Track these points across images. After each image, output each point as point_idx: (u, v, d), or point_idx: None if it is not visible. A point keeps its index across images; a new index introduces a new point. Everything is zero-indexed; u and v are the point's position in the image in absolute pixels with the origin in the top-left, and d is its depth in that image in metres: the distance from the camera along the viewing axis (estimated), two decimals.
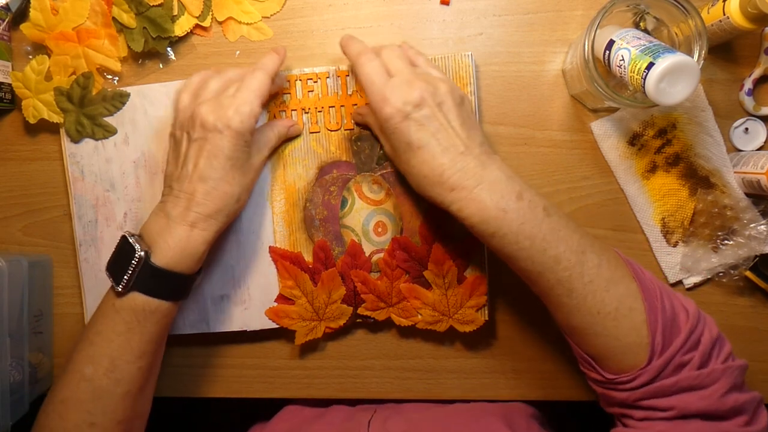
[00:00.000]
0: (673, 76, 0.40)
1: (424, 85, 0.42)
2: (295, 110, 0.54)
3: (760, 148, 0.54)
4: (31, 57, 0.57)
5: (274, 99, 0.54)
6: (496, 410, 0.56)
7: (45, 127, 0.58)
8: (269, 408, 0.63)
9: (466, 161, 0.42)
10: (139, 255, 0.44)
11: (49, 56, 0.55)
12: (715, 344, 0.41)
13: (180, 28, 0.55)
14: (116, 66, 0.56)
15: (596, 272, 0.41)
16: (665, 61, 0.39)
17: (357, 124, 0.53)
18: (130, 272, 0.44)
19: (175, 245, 0.45)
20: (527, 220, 0.41)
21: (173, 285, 0.46)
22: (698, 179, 0.53)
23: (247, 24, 0.56)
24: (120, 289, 0.44)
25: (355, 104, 0.53)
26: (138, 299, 0.44)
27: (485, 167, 0.42)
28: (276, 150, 0.54)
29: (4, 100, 0.57)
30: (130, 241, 0.45)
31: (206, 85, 0.48)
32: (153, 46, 0.55)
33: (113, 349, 0.45)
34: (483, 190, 0.41)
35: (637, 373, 0.40)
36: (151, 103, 0.56)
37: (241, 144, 0.46)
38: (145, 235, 0.46)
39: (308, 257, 0.55)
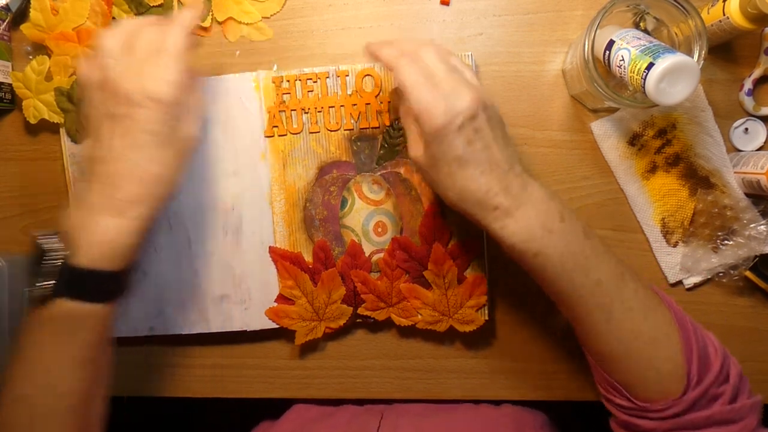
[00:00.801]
0: (673, 76, 0.40)
1: (475, 95, 0.39)
2: (295, 110, 0.54)
3: (760, 149, 0.54)
4: (31, 57, 0.57)
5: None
6: (507, 420, 0.56)
7: (45, 127, 0.58)
8: (269, 408, 0.63)
9: (510, 180, 0.40)
10: (57, 256, 0.39)
11: (50, 56, 0.55)
12: (741, 379, 0.41)
13: None
14: None
15: (635, 298, 0.41)
16: (665, 62, 0.39)
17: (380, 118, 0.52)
18: (49, 276, 0.39)
19: (99, 241, 0.39)
20: (571, 241, 0.39)
21: (103, 285, 0.40)
22: (698, 179, 0.53)
23: (248, 24, 0.56)
24: (41, 296, 0.39)
25: (355, 104, 0.53)
26: (63, 306, 0.39)
27: (527, 187, 0.40)
28: (276, 150, 0.54)
29: (4, 100, 0.57)
30: (45, 240, 0.41)
31: (103, 49, 0.41)
32: None
33: (46, 364, 0.40)
34: (527, 210, 0.39)
35: (672, 403, 0.40)
36: None
37: (168, 117, 0.40)
38: (64, 231, 0.41)
39: (308, 257, 0.55)
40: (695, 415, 0.39)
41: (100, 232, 0.40)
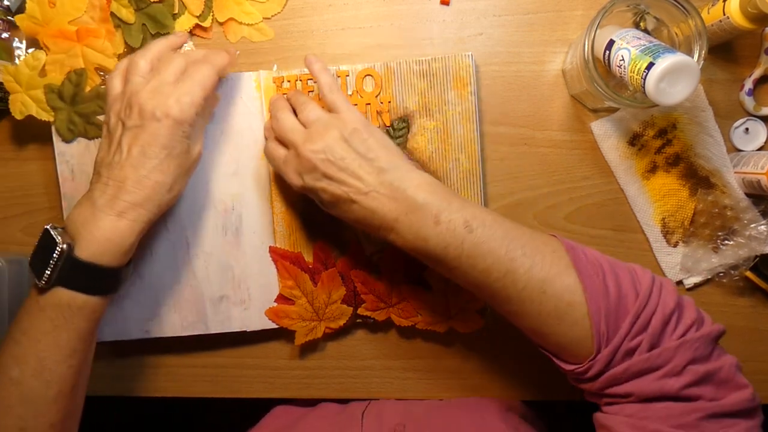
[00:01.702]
0: (673, 76, 0.40)
1: (312, 147, 0.44)
2: None
3: (760, 148, 0.54)
4: (19, 51, 0.55)
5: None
6: (492, 405, 0.56)
7: (45, 127, 0.57)
8: (269, 409, 0.62)
9: (376, 200, 0.43)
10: (61, 247, 0.41)
11: (45, 52, 0.54)
12: (669, 321, 0.39)
13: (180, 26, 0.55)
14: (114, 66, 0.55)
15: (528, 276, 0.41)
16: (665, 61, 0.39)
17: None
18: (51, 266, 0.41)
19: (100, 236, 0.42)
20: (449, 243, 0.41)
21: (100, 279, 0.43)
22: (698, 179, 0.53)
23: (248, 25, 0.56)
24: (42, 285, 0.42)
25: (355, 104, 0.53)
26: (63, 295, 0.42)
27: (396, 198, 0.42)
28: None
29: (4, 100, 0.57)
30: (52, 233, 0.42)
31: (134, 67, 0.46)
32: None
33: (40, 350, 0.42)
34: (402, 224, 0.42)
35: (588, 365, 0.40)
36: None
37: (179, 134, 0.45)
38: (69, 225, 0.44)
39: (308, 257, 0.55)
40: (613, 371, 0.39)
41: (102, 229, 0.43)
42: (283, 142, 0.47)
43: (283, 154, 0.47)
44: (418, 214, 0.42)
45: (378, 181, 0.43)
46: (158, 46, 0.48)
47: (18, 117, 0.55)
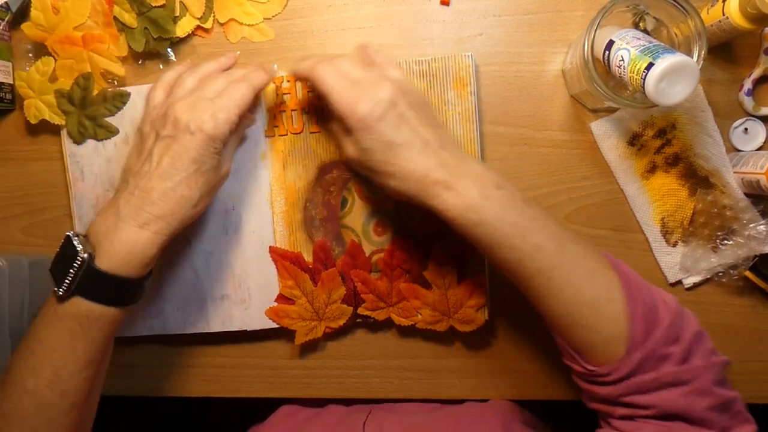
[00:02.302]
0: (672, 77, 0.40)
1: (392, 84, 0.43)
2: (295, 110, 0.54)
3: (759, 148, 0.54)
4: (31, 55, 0.57)
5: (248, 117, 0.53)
6: (492, 412, 0.56)
7: (45, 128, 0.58)
8: (269, 408, 0.63)
9: (445, 156, 0.42)
10: (82, 257, 0.41)
11: (56, 59, 0.55)
12: (696, 339, 0.40)
13: (181, 29, 0.55)
14: (120, 71, 0.56)
15: (576, 263, 0.41)
16: (665, 62, 0.40)
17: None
18: (71, 276, 0.41)
19: (121, 248, 0.41)
20: (509, 207, 0.41)
21: (119, 290, 0.43)
22: (698, 179, 0.53)
23: (249, 25, 0.56)
24: (61, 293, 0.41)
25: None
26: (81, 305, 0.41)
27: (463, 160, 0.43)
28: (276, 150, 0.54)
29: (5, 101, 0.57)
30: (74, 241, 0.42)
31: (181, 82, 0.47)
32: (154, 47, 0.55)
33: (56, 359, 0.42)
34: (465, 181, 0.41)
35: (617, 365, 0.40)
36: None
37: (211, 150, 0.44)
38: (91, 234, 0.43)
39: (308, 257, 0.55)
40: (642, 377, 0.39)
41: (125, 240, 0.42)
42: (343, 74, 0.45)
43: (352, 80, 0.44)
44: (480, 177, 0.42)
45: (448, 142, 0.44)
46: (207, 67, 0.49)
47: (33, 121, 0.56)
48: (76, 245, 0.41)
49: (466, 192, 0.41)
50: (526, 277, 0.42)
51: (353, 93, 0.43)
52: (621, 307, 0.40)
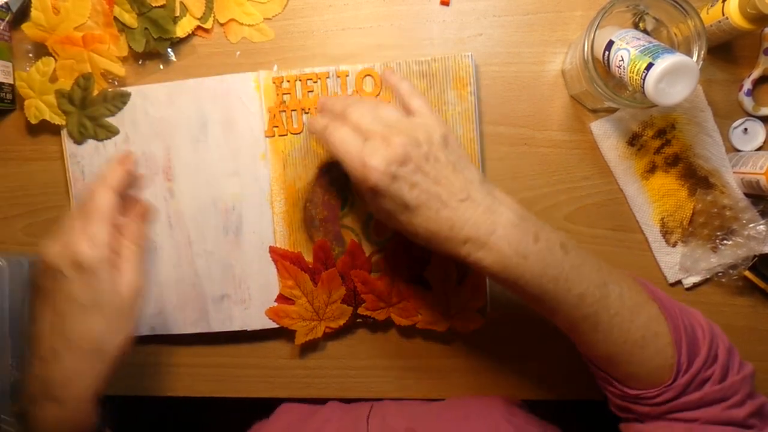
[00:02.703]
0: (672, 77, 0.40)
1: (404, 139, 0.39)
2: (295, 110, 0.54)
3: (759, 149, 0.54)
4: (31, 56, 0.57)
5: None
6: (497, 402, 0.56)
7: (46, 128, 0.58)
8: (269, 408, 0.63)
9: (472, 209, 0.39)
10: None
11: (55, 59, 0.55)
12: (729, 356, 0.42)
13: (181, 29, 0.55)
14: (120, 71, 0.56)
15: (620, 303, 0.41)
16: (664, 62, 0.40)
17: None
18: None
19: (48, 429, 0.41)
20: (548, 263, 0.39)
21: None
22: (697, 179, 0.53)
23: (249, 25, 0.56)
24: None
25: None
26: None
27: (494, 211, 0.39)
28: (276, 150, 0.54)
29: (5, 101, 0.57)
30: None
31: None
32: (154, 47, 0.55)
33: None
34: (499, 239, 0.38)
35: (663, 390, 0.41)
36: (151, 104, 0.56)
37: (92, 280, 0.41)
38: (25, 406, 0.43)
39: (308, 257, 0.55)
40: (687, 398, 0.40)
41: (46, 420, 0.41)
42: (360, 131, 0.41)
43: (362, 139, 0.40)
44: (518, 228, 0.39)
45: (475, 189, 0.40)
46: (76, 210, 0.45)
47: (33, 122, 0.56)
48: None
49: (500, 252, 0.38)
50: (571, 323, 0.42)
51: (360, 161, 0.39)
52: (667, 339, 0.41)
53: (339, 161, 0.41)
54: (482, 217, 0.39)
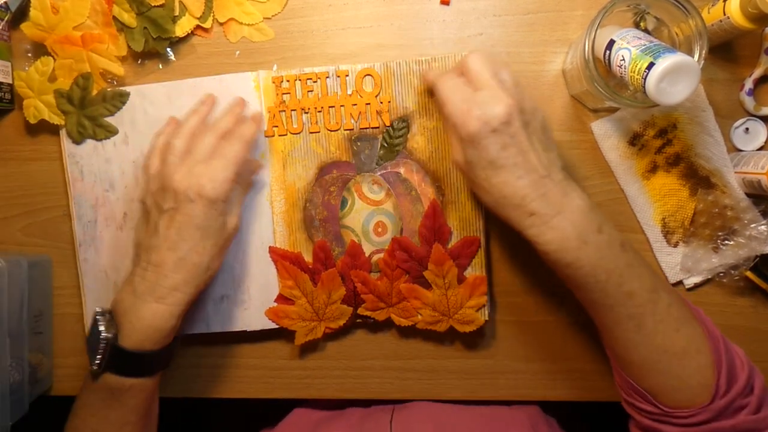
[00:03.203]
0: (673, 76, 0.40)
1: (512, 101, 0.40)
2: (295, 110, 0.54)
3: (760, 148, 0.53)
4: (30, 55, 0.57)
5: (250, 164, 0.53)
6: (522, 415, 0.56)
7: (45, 128, 0.58)
8: (269, 408, 0.62)
9: (548, 187, 0.40)
10: (106, 337, 0.43)
11: (54, 59, 0.55)
12: (765, 390, 0.42)
13: (181, 28, 0.55)
14: (119, 71, 0.56)
15: (667, 311, 0.41)
16: (666, 61, 0.39)
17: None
18: (100, 355, 0.43)
19: (141, 326, 0.44)
20: (606, 254, 0.40)
21: (145, 363, 0.45)
22: (699, 179, 0.53)
23: (249, 25, 0.56)
24: (93, 370, 0.44)
25: (355, 104, 0.53)
26: (111, 379, 0.44)
27: (566, 194, 0.41)
28: (276, 150, 0.54)
29: (4, 100, 0.57)
30: (98, 321, 0.44)
31: (171, 148, 0.48)
32: (153, 47, 0.55)
33: (95, 423, 0.45)
34: (564, 219, 0.40)
35: (698, 411, 0.41)
36: (150, 103, 0.56)
37: (214, 213, 0.45)
38: (115, 311, 0.45)
39: (308, 257, 0.55)
40: (720, 423, 0.40)
41: (143, 317, 0.44)
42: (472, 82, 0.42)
43: (474, 89, 0.42)
44: (585, 216, 0.40)
45: (556, 171, 0.42)
46: (191, 123, 0.49)
47: (32, 121, 0.56)
48: (100, 326, 0.44)
49: (563, 231, 0.40)
50: (614, 320, 0.42)
51: (467, 105, 0.41)
52: (708, 359, 0.41)
53: (441, 105, 0.43)
54: (555, 197, 0.40)
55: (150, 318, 0.44)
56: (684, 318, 0.42)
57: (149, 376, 0.46)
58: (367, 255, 0.54)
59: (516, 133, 0.40)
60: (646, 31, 0.47)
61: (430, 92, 0.52)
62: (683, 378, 0.41)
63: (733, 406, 0.40)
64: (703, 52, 0.44)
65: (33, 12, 0.54)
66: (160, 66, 0.57)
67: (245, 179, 0.52)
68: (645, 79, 0.41)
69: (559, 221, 0.40)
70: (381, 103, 0.53)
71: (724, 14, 0.46)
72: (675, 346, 0.41)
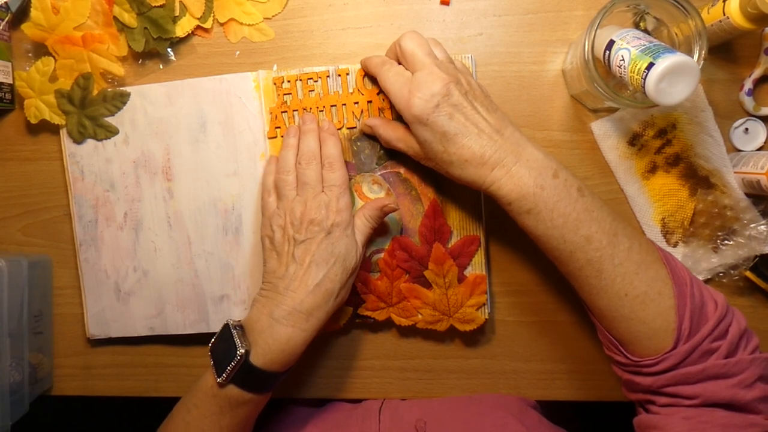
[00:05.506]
0: (673, 76, 0.40)
1: (447, 75, 0.43)
2: (296, 110, 0.54)
3: (760, 149, 0.54)
4: (31, 55, 0.57)
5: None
6: (509, 403, 0.56)
7: (45, 127, 0.58)
8: (268, 408, 0.62)
9: (502, 141, 0.43)
10: (241, 353, 0.44)
11: (55, 59, 0.55)
12: (743, 336, 0.41)
13: (181, 29, 0.55)
14: (120, 71, 0.56)
15: (627, 255, 0.42)
16: (665, 61, 0.40)
17: (365, 134, 0.54)
18: (230, 368, 0.45)
19: (275, 347, 0.45)
20: (562, 197, 0.42)
21: (267, 381, 0.47)
22: (698, 179, 0.53)
23: (249, 25, 0.56)
24: (220, 381, 0.45)
25: (357, 102, 0.53)
26: (233, 391, 0.46)
27: (521, 145, 0.43)
28: (277, 150, 0.54)
29: (5, 101, 0.57)
30: (234, 335, 0.46)
31: (284, 182, 0.50)
32: (153, 47, 0.55)
33: (205, 424, 0.47)
34: (522, 167, 0.42)
35: (663, 357, 0.41)
36: (151, 103, 0.56)
37: (345, 239, 0.47)
38: (248, 329, 0.47)
39: None
40: (687, 369, 0.40)
41: (279, 340, 0.45)
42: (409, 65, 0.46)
43: (411, 72, 0.46)
44: (539, 163, 0.42)
45: (507, 126, 0.44)
46: (289, 157, 0.51)
47: (33, 121, 0.56)
48: (236, 340, 0.45)
49: (521, 179, 0.42)
50: (575, 267, 0.43)
51: (408, 90, 0.44)
52: (670, 301, 0.41)
53: (387, 94, 0.47)
54: (511, 147, 0.43)
55: (285, 341, 0.45)
56: (645, 261, 0.42)
57: (266, 392, 0.48)
58: (367, 255, 0.55)
59: (458, 103, 0.43)
60: (645, 31, 0.47)
61: (371, 79, 0.53)
62: (645, 322, 0.41)
63: (700, 350, 0.40)
64: (703, 52, 0.44)
65: (34, 12, 0.54)
66: (161, 66, 0.57)
67: (373, 216, 0.51)
68: (644, 79, 0.41)
69: (517, 170, 0.42)
70: (383, 100, 0.53)
71: (724, 14, 0.46)
72: (635, 290, 0.41)
